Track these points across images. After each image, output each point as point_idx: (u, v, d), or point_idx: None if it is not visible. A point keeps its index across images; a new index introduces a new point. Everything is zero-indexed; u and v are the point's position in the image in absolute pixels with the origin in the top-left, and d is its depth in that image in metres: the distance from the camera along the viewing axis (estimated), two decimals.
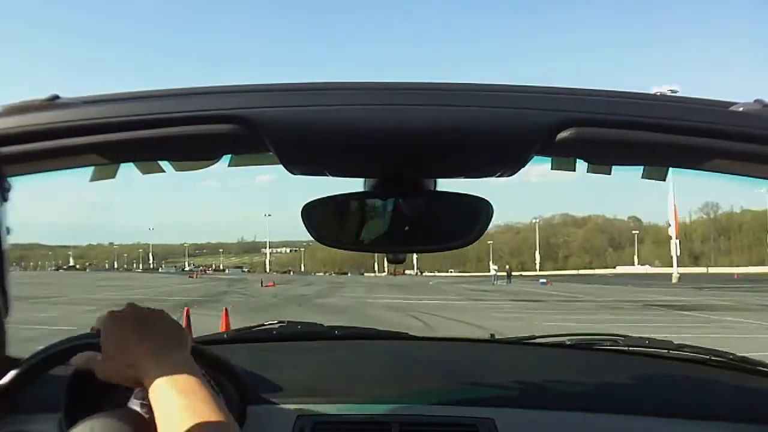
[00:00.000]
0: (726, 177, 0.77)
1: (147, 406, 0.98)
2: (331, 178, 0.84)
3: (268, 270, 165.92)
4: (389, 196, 0.88)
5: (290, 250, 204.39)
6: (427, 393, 1.47)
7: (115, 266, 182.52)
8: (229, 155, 0.83)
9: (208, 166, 0.82)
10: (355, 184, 0.91)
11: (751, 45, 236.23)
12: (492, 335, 2.11)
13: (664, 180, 0.84)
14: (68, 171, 0.78)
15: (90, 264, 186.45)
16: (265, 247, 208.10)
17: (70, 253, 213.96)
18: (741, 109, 0.67)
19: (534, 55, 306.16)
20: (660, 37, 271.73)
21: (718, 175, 0.76)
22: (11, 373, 1.11)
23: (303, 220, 0.87)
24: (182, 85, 0.72)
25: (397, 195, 0.88)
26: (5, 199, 0.44)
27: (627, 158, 0.76)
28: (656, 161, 0.79)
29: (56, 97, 0.69)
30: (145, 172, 0.87)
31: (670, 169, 0.81)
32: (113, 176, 0.85)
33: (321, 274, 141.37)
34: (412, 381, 1.55)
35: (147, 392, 0.91)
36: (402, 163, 0.79)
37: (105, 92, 0.72)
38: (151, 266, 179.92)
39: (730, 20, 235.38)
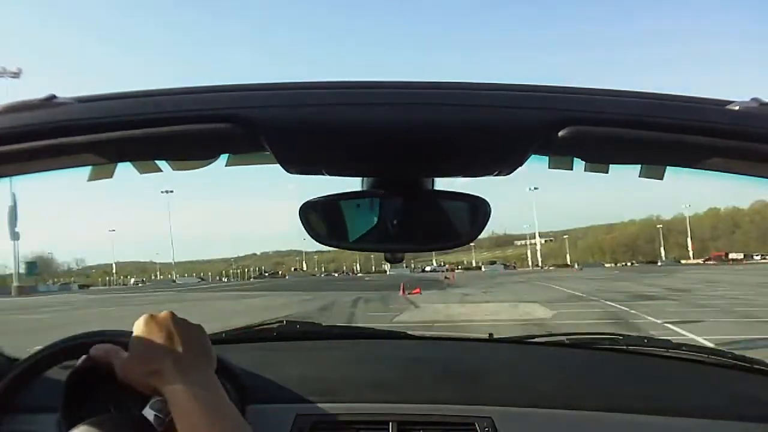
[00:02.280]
0: (723, 176, 0.76)
1: (161, 418, 0.98)
2: (328, 177, 0.83)
3: (531, 264, 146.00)
4: (386, 196, 0.88)
5: (545, 240, 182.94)
6: (425, 392, 1.48)
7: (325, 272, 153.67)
8: (226, 155, 0.82)
9: (205, 165, 0.82)
10: (352, 184, 0.90)
11: (750, 44, 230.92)
12: (491, 335, 2.11)
13: (662, 179, 0.82)
14: (66, 171, 0.78)
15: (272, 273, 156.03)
16: (520, 239, 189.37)
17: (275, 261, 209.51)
18: (737, 107, 0.66)
19: (532, 52, 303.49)
20: (658, 36, 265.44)
21: (716, 173, 0.76)
22: (10, 374, 1.13)
23: (300, 220, 0.87)
24: (178, 84, 0.72)
25: (394, 194, 0.87)
26: None
27: (624, 157, 0.76)
28: (653, 160, 0.79)
29: (53, 96, 0.69)
30: (142, 171, 0.87)
31: (667, 168, 0.81)
32: (110, 176, 0.85)
33: (610, 265, 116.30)
34: (411, 380, 1.55)
35: (164, 404, 0.91)
36: (399, 161, 0.79)
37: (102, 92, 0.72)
38: (353, 271, 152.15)
39: (730, 19, 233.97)
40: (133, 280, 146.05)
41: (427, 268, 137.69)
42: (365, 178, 0.89)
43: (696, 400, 1.45)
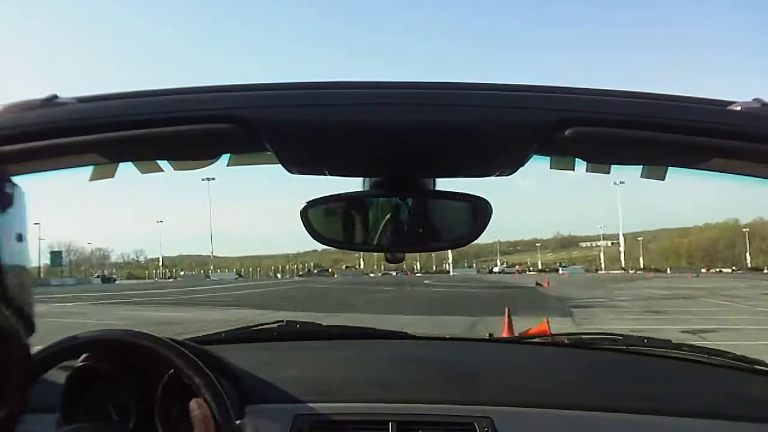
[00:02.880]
0: (725, 176, 0.76)
1: None
2: (330, 177, 0.83)
3: (604, 267, 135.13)
4: (388, 196, 0.87)
5: (611, 243, 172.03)
6: (425, 392, 1.48)
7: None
8: (228, 155, 0.82)
9: (207, 165, 0.82)
10: (353, 184, 0.90)
11: (751, 46, 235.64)
12: (490, 335, 2.15)
13: (663, 179, 0.82)
14: (68, 171, 0.78)
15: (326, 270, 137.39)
16: (585, 241, 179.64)
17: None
18: (739, 108, 0.66)
19: (532, 52, 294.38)
20: (659, 37, 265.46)
21: (718, 174, 0.76)
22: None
23: (301, 221, 0.86)
24: (178, 83, 0.71)
25: (395, 194, 0.87)
26: (10, 204, 0.41)
27: (626, 157, 0.76)
28: (655, 160, 0.78)
29: (55, 96, 0.69)
30: (144, 171, 0.87)
31: (669, 168, 0.80)
32: (112, 176, 0.85)
33: (704, 270, 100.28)
34: (410, 380, 1.56)
35: None
36: (400, 162, 0.79)
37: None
38: (448, 269, 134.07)
39: (730, 21, 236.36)
40: (183, 273, 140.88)
41: (495, 269, 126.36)
42: (367, 179, 0.89)
43: (696, 400, 1.45)
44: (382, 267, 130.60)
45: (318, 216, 0.88)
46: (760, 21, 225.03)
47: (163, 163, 0.84)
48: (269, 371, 1.52)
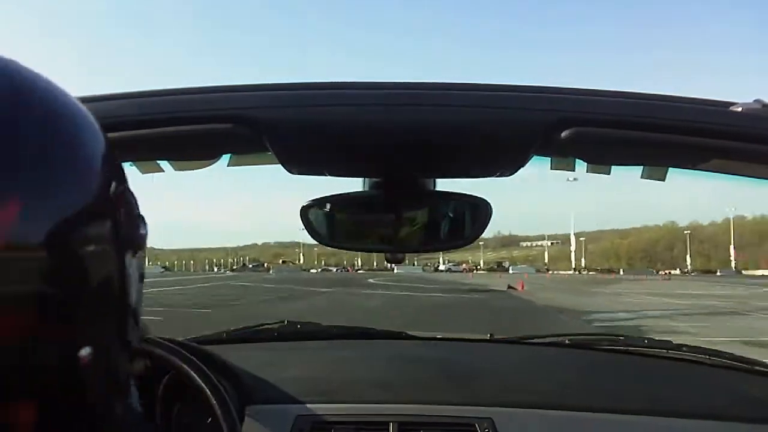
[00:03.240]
0: (725, 177, 0.76)
1: None
2: (330, 177, 0.83)
3: (547, 268, 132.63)
4: (388, 196, 0.87)
5: (551, 243, 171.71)
6: (425, 392, 1.49)
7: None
8: (228, 155, 0.82)
9: (207, 165, 0.82)
10: (354, 184, 0.90)
11: (750, 47, 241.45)
12: (491, 335, 2.12)
13: (664, 180, 0.81)
14: None
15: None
16: (525, 241, 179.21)
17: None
18: (740, 109, 0.66)
19: (533, 53, 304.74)
20: (659, 36, 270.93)
21: (718, 175, 0.75)
22: None
23: (301, 221, 0.86)
24: (180, 84, 0.71)
25: (395, 195, 0.87)
26: (143, 246, 0.44)
27: (626, 158, 0.76)
28: (655, 161, 0.78)
29: None
30: (144, 171, 0.86)
31: (670, 169, 0.80)
32: None
33: (664, 273, 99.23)
34: (411, 381, 1.56)
35: None
36: (401, 162, 0.78)
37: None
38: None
39: (731, 22, 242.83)
40: None
41: (441, 267, 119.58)
42: (367, 179, 0.88)
43: (696, 401, 1.46)
44: (323, 263, 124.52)
45: (318, 216, 0.88)
46: (761, 17, 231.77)
47: (164, 164, 0.84)
48: (270, 371, 1.51)
